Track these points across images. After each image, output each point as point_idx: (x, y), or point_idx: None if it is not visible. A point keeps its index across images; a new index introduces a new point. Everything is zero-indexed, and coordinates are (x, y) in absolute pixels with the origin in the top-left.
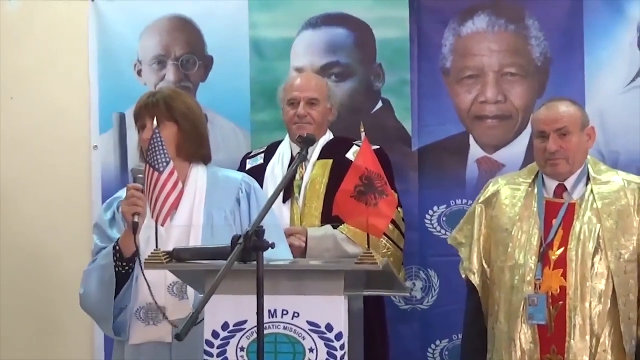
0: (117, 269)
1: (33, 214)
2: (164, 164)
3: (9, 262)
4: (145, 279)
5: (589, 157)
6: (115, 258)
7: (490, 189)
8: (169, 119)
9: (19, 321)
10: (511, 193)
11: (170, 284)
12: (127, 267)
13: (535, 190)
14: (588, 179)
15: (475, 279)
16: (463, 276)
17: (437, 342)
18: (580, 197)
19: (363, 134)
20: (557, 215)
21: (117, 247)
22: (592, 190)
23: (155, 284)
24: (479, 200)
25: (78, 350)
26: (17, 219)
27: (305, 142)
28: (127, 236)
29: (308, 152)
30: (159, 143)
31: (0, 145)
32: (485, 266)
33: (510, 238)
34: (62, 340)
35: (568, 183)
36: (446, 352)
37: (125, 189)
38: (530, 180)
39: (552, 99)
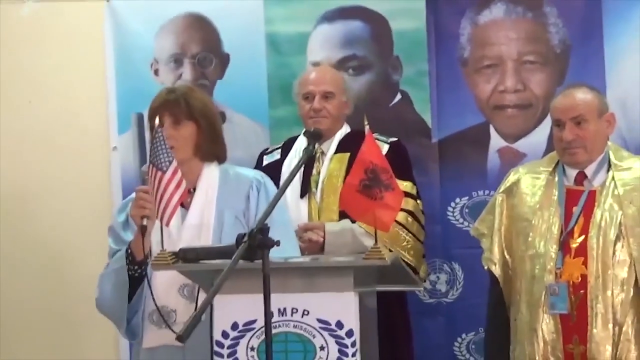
0: (130, 273)
1: (54, 217)
2: (167, 163)
3: (31, 264)
4: (149, 285)
5: (610, 143)
6: (127, 262)
7: (511, 178)
8: (188, 118)
9: (42, 322)
10: (532, 182)
11: (181, 286)
12: (139, 271)
13: (556, 179)
14: (609, 166)
15: (496, 270)
16: (485, 267)
17: (463, 336)
18: (602, 184)
19: (367, 127)
20: (577, 203)
21: (130, 251)
22: (613, 177)
23: (166, 286)
24: (500, 190)
25: (103, 351)
26: (39, 222)
27: (313, 137)
28: (137, 240)
29: (319, 147)
30: (162, 142)
31: (21, 150)
32: (507, 256)
33: (531, 227)
34: (87, 341)
35: (588, 171)
36: (473, 346)
37: None
38: (550, 169)
39: (570, 85)
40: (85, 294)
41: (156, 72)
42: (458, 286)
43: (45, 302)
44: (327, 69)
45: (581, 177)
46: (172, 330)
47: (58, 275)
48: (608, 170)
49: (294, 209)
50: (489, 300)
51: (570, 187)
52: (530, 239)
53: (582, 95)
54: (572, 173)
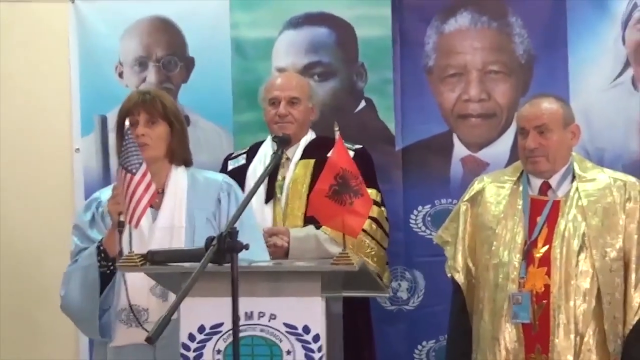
0: (102, 270)
1: (16, 217)
2: (137, 165)
3: None
4: (125, 282)
5: (574, 154)
6: (99, 258)
7: (476, 187)
8: (163, 118)
9: (2, 322)
10: (496, 191)
11: (153, 286)
12: (112, 267)
13: (521, 188)
14: (574, 176)
15: (460, 278)
16: (449, 275)
17: (424, 343)
18: (566, 194)
19: (337, 133)
20: (541, 213)
21: (102, 247)
22: (577, 188)
23: (137, 285)
24: (464, 199)
25: (63, 351)
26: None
27: (281, 142)
28: (111, 236)
29: (284, 152)
30: (132, 144)
31: None
32: (471, 265)
33: (495, 236)
34: (46, 341)
35: (553, 181)
36: (433, 353)
37: (103, 190)
38: (515, 178)
39: (537, 95)
40: (47, 294)
41: (121, 75)
42: (419, 294)
43: (5, 302)
44: (294, 75)
45: (545, 187)
46: (144, 329)
47: (19, 275)
48: (572, 181)
49: (259, 214)
50: (451, 307)
51: (535, 196)
52: (494, 247)
53: (548, 105)
54: (537, 183)
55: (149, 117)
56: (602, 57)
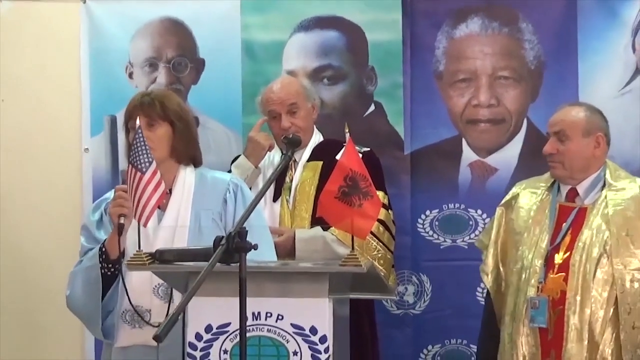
0: (103, 271)
1: (24, 217)
2: (147, 164)
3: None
4: (124, 283)
5: (609, 162)
6: (101, 260)
7: (513, 191)
8: (163, 119)
9: (9, 323)
10: (529, 197)
11: (156, 286)
12: (112, 269)
13: (551, 195)
14: (604, 184)
15: (488, 281)
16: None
17: (430, 347)
18: (593, 202)
19: (347, 135)
20: (567, 220)
21: (104, 249)
22: (605, 196)
23: (140, 286)
24: (501, 203)
25: (69, 352)
26: (8, 222)
27: (291, 144)
28: (112, 238)
29: (294, 154)
30: (142, 143)
31: None
32: (501, 268)
33: (522, 241)
34: (52, 342)
35: (580, 188)
36: (439, 358)
37: (113, 190)
38: (549, 185)
39: (572, 102)
40: (54, 294)
41: (131, 75)
42: (426, 298)
43: (13, 302)
44: (285, 82)
45: (572, 194)
46: (152, 326)
47: (26, 275)
48: (602, 189)
49: (267, 215)
50: (484, 310)
51: (563, 203)
52: (519, 252)
53: (572, 113)
54: (565, 189)
55: (148, 120)
56: (612, 64)
